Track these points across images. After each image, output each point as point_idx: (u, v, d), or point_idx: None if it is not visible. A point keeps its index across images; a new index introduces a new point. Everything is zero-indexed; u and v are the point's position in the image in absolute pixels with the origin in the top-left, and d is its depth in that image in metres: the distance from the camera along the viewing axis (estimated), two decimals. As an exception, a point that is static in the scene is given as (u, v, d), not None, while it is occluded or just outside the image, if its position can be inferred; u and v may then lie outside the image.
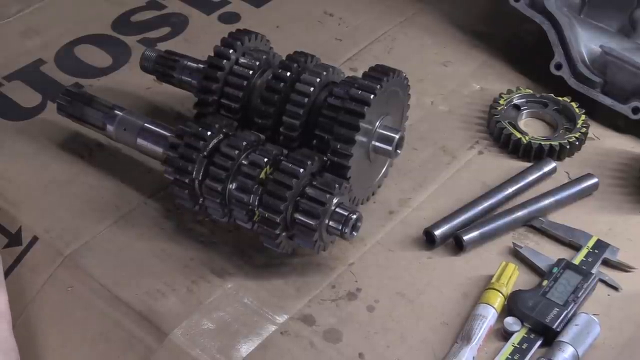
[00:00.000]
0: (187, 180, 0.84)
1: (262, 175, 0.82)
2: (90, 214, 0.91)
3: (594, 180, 0.96)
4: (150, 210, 0.91)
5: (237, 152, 0.83)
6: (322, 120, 0.87)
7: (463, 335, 0.81)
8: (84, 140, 0.98)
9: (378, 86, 0.86)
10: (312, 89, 0.88)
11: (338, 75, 0.92)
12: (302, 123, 0.88)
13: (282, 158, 0.83)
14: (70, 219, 0.90)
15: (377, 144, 0.89)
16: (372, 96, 0.85)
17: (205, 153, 0.84)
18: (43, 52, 1.11)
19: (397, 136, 0.89)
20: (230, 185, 0.83)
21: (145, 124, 0.90)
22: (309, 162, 0.82)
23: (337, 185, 0.82)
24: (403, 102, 0.94)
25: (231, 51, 0.92)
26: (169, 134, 0.88)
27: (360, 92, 0.85)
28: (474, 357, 0.80)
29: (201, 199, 0.86)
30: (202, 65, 0.94)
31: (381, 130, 0.89)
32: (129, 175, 0.92)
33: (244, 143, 0.84)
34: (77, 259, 0.86)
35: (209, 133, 0.84)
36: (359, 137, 0.86)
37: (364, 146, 0.88)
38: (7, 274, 0.88)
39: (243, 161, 0.84)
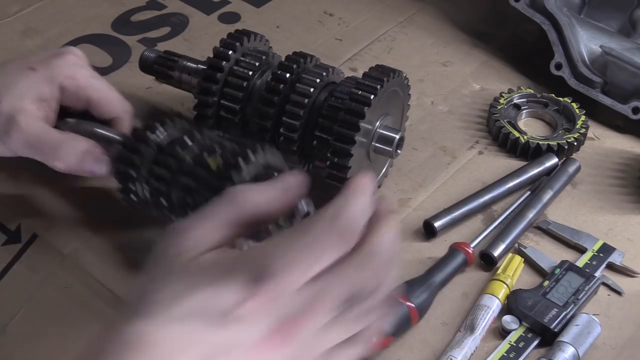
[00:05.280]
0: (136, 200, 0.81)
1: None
2: (90, 212, 0.91)
3: (576, 164, 0.97)
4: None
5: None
6: (322, 121, 0.87)
7: (466, 324, 0.81)
8: (83, 139, 0.98)
9: (378, 86, 0.86)
10: (312, 89, 0.88)
11: (338, 76, 0.92)
12: (302, 124, 0.88)
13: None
14: (69, 217, 0.90)
15: (377, 144, 0.89)
16: (372, 96, 0.85)
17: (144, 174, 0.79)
18: (43, 52, 1.11)
19: (397, 136, 0.89)
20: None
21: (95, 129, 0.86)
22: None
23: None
24: (403, 102, 0.94)
25: (230, 52, 0.92)
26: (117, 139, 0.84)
27: (360, 92, 0.85)
28: (476, 348, 0.80)
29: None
30: (202, 66, 0.94)
31: (381, 131, 0.89)
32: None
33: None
34: (77, 257, 0.86)
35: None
36: (359, 138, 0.86)
37: (364, 146, 0.88)
38: (5, 271, 0.88)
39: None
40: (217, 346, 0.51)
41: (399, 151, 0.90)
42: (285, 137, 0.89)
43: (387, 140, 0.89)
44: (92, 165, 0.82)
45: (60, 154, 0.81)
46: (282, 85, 0.89)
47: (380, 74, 0.87)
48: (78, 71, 0.86)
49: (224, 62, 0.91)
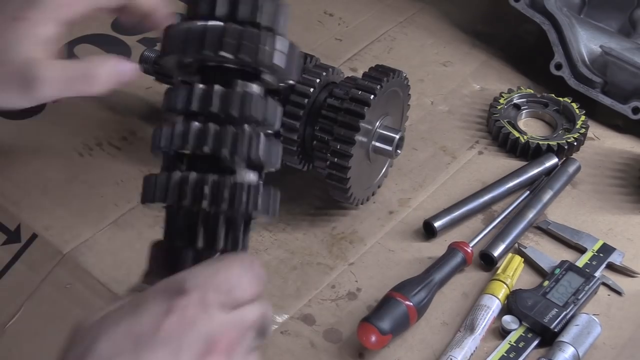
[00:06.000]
0: None
1: None
2: (90, 212, 0.91)
3: (576, 164, 0.97)
4: (151, 209, 0.91)
5: None
6: (322, 121, 0.87)
7: (466, 324, 0.81)
8: (83, 139, 0.98)
9: (378, 86, 0.86)
10: (311, 89, 0.88)
11: (338, 76, 0.92)
12: (302, 124, 0.88)
13: None
14: (69, 217, 0.90)
15: (377, 144, 0.89)
16: (372, 97, 0.85)
17: None
18: (43, 52, 1.11)
19: (397, 136, 0.89)
20: None
21: None
22: None
23: None
24: (403, 102, 0.93)
25: None
26: None
27: (360, 92, 0.85)
28: (476, 348, 0.80)
29: None
30: None
31: (381, 131, 0.89)
32: (128, 174, 0.92)
33: None
34: (77, 256, 0.86)
35: None
36: (359, 138, 0.86)
37: (364, 146, 0.88)
38: (5, 270, 0.88)
39: None
40: None
41: (399, 151, 0.90)
42: (285, 138, 0.88)
43: (387, 140, 0.89)
44: (125, 66, 0.76)
45: (94, 81, 0.75)
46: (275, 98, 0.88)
47: (380, 74, 0.87)
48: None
49: None
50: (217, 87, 0.59)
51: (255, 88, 0.61)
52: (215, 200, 0.57)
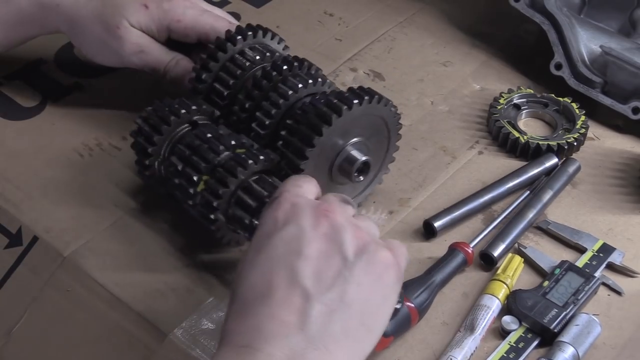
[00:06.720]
0: (147, 162, 0.87)
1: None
2: (90, 213, 0.91)
3: (576, 164, 0.98)
4: (150, 210, 0.91)
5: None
6: (282, 135, 0.85)
7: (466, 324, 0.81)
8: (83, 139, 0.98)
9: (345, 107, 0.82)
10: (281, 100, 0.86)
11: (325, 87, 0.89)
12: (270, 133, 0.86)
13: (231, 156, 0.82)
14: (70, 218, 0.90)
15: (341, 163, 0.86)
16: (334, 116, 0.82)
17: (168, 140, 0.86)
18: (43, 52, 1.11)
19: (361, 159, 0.85)
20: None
21: None
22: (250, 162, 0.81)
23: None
24: (389, 136, 0.90)
25: (239, 37, 0.92)
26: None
27: (325, 108, 0.83)
28: (476, 348, 0.80)
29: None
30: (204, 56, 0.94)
31: (348, 151, 0.86)
32: (128, 175, 0.92)
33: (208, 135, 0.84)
34: (77, 259, 0.86)
35: (172, 118, 0.86)
36: (317, 154, 0.83)
37: (325, 162, 0.85)
38: (9, 274, 0.88)
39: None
40: (290, 241, 0.68)
41: (361, 177, 0.87)
42: (255, 133, 0.87)
43: (350, 161, 0.85)
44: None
45: (168, 67, 0.96)
46: (256, 92, 0.87)
47: (354, 96, 0.84)
48: (186, 13, 0.95)
49: (229, 44, 0.91)
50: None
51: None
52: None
